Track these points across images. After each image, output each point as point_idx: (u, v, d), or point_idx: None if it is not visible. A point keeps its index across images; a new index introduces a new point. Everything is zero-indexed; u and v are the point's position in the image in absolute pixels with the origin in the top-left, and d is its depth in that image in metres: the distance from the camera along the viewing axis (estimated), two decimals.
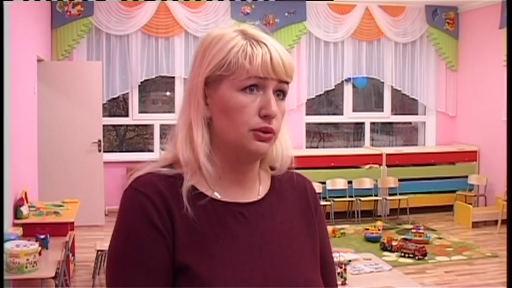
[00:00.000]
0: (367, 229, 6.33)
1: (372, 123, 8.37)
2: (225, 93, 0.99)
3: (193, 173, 1.01)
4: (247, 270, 0.98)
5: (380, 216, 7.26)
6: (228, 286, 0.95)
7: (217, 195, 1.03)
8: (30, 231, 4.11)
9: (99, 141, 6.64)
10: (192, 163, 1.01)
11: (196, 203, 1.00)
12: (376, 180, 7.30)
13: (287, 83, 1.01)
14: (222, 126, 1.01)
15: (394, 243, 5.70)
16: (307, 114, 7.88)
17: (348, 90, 8.09)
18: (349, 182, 7.18)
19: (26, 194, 4.59)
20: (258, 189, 1.08)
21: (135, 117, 7.46)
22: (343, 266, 3.54)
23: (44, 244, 3.91)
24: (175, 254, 0.96)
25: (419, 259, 5.41)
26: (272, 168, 1.12)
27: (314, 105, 8.23)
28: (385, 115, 8.28)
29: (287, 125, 1.09)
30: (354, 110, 8.16)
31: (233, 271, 0.97)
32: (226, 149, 1.02)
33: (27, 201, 4.53)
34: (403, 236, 6.03)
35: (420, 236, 6.01)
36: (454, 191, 7.48)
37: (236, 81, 0.98)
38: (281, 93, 1.02)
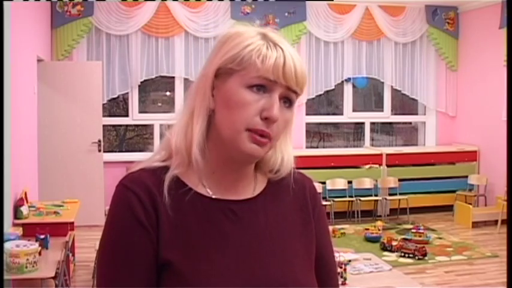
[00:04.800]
0: (367, 229, 6.33)
1: (372, 123, 8.37)
2: (232, 87, 0.98)
3: (181, 162, 1.01)
4: (233, 268, 0.97)
5: (380, 216, 7.26)
6: (210, 283, 0.95)
7: (208, 191, 1.03)
8: (30, 231, 4.11)
9: (99, 141, 6.65)
10: (183, 151, 1.01)
11: (185, 198, 1.00)
12: (376, 180, 7.30)
13: (296, 93, 1.00)
14: (221, 120, 1.00)
15: (394, 243, 5.70)
16: (307, 114, 7.87)
17: (348, 90, 8.09)
18: (349, 182, 7.18)
19: (26, 194, 4.58)
20: (253, 187, 1.07)
21: (135, 117, 7.45)
22: (343, 266, 3.54)
23: (44, 244, 3.92)
24: (159, 250, 0.97)
25: (419, 259, 5.41)
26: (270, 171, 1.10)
27: (314, 105, 8.23)
28: (385, 115, 8.28)
29: (291, 136, 1.08)
30: (354, 110, 8.16)
31: (217, 268, 0.96)
32: (221, 145, 1.01)
33: (27, 201, 4.53)
34: (403, 236, 6.04)
35: (420, 236, 6.01)
36: (454, 191, 7.48)
37: (245, 78, 0.97)
38: (288, 101, 1.01)
